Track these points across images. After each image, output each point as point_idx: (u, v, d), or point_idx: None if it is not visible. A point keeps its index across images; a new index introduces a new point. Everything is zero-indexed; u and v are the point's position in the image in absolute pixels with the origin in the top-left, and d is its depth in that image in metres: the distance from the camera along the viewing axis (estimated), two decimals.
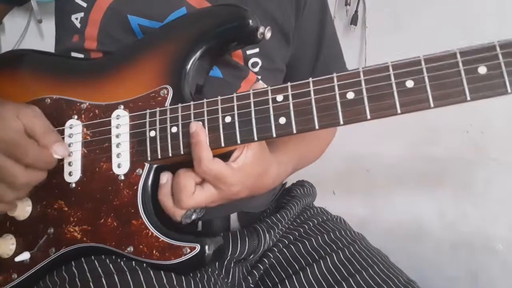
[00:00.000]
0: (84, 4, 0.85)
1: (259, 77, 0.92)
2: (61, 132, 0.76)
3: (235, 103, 0.66)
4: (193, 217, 0.70)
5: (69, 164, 0.75)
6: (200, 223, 0.87)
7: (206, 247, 0.67)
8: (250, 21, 0.71)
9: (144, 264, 0.70)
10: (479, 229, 1.51)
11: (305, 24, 0.99)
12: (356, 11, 1.66)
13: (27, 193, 0.73)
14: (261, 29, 0.72)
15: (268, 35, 0.73)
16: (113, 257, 0.72)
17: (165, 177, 0.71)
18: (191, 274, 0.73)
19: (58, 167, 0.74)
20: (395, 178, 1.65)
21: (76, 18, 0.86)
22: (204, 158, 0.66)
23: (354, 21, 1.66)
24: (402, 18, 1.59)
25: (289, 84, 0.64)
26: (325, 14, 1.05)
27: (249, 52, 0.88)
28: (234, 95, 0.67)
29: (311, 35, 1.02)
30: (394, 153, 1.63)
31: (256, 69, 0.91)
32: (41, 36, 1.94)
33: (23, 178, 0.68)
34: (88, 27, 0.85)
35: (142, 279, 0.67)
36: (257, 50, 0.89)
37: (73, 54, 0.88)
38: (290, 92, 0.63)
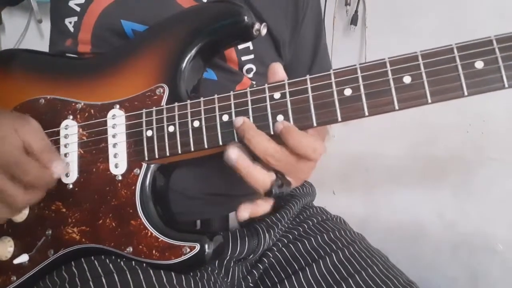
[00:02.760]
0: (78, 9, 0.85)
1: (254, 82, 0.92)
2: (57, 133, 0.76)
3: (232, 102, 0.66)
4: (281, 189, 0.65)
5: (66, 165, 0.75)
6: (198, 222, 0.86)
7: (206, 246, 0.66)
8: (246, 17, 0.70)
9: (144, 264, 0.70)
10: (479, 229, 1.50)
11: (302, 36, 1.00)
12: (356, 11, 1.66)
13: (23, 210, 0.73)
14: (256, 26, 0.71)
15: (263, 31, 0.72)
16: (113, 257, 0.72)
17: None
18: (191, 273, 0.73)
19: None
20: (395, 178, 1.65)
21: (70, 22, 0.86)
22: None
23: (354, 21, 1.66)
24: (402, 18, 1.59)
25: (286, 81, 0.64)
26: (321, 25, 1.07)
27: (244, 58, 0.88)
28: (231, 93, 0.66)
29: (307, 46, 1.04)
30: (394, 153, 1.63)
31: (250, 75, 0.91)
32: (41, 36, 1.94)
33: (22, 199, 0.67)
34: (81, 32, 0.85)
35: (142, 278, 0.67)
36: (252, 56, 0.89)
37: None
38: (287, 90, 0.63)
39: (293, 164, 0.63)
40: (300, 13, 0.97)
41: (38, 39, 1.94)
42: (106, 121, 0.74)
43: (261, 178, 0.63)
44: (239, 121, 0.63)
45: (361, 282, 0.80)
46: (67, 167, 0.74)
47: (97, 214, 0.72)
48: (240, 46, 0.87)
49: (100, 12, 0.83)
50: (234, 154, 0.62)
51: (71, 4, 0.85)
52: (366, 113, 0.59)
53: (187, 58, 0.73)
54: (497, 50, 0.54)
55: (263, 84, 0.65)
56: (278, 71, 0.66)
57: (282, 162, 0.62)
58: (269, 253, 0.89)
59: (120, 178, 0.72)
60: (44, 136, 0.72)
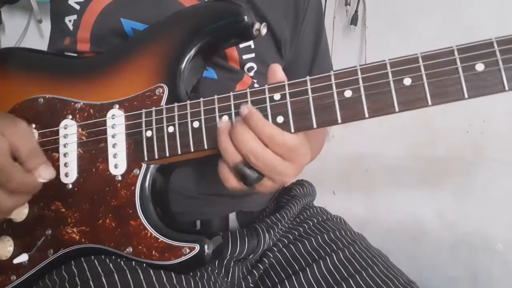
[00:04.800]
0: (77, 7, 0.85)
1: (255, 80, 0.91)
2: (56, 133, 0.76)
3: (232, 102, 0.65)
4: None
5: (65, 165, 0.74)
6: (198, 222, 0.86)
7: (206, 246, 0.66)
8: (245, 17, 0.70)
9: (144, 264, 0.70)
10: (479, 229, 1.50)
11: (302, 36, 1.00)
12: (356, 11, 1.66)
13: (11, 213, 0.72)
14: (256, 25, 0.71)
15: (263, 31, 0.72)
16: (113, 257, 0.72)
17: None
18: (191, 273, 0.73)
19: (54, 169, 0.73)
20: (395, 178, 1.65)
21: (69, 21, 0.86)
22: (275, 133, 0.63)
23: (354, 21, 1.66)
24: (402, 18, 1.59)
25: (286, 82, 0.63)
26: (321, 25, 1.06)
27: (245, 57, 0.88)
28: (231, 94, 0.66)
29: (307, 46, 1.03)
30: (394, 153, 1.63)
31: (251, 74, 0.91)
32: (41, 36, 1.94)
33: (7, 204, 0.67)
34: (80, 30, 0.85)
35: (142, 278, 0.67)
36: (253, 55, 0.89)
37: None
38: (287, 91, 0.63)
39: (273, 167, 0.63)
40: (300, 12, 0.97)
41: (38, 39, 1.94)
42: (105, 121, 0.74)
43: (233, 152, 0.63)
44: (244, 110, 0.63)
45: (361, 282, 0.80)
46: (54, 172, 0.71)
47: (96, 214, 0.72)
48: (242, 45, 0.87)
49: (100, 11, 0.83)
50: (223, 122, 0.64)
51: (70, 2, 0.85)
52: (366, 115, 0.59)
53: (186, 58, 0.73)
54: (497, 52, 0.54)
55: (264, 83, 0.65)
56: (277, 72, 0.65)
57: (261, 162, 0.62)
58: (269, 253, 0.89)
59: (119, 178, 0.72)
60: (32, 139, 0.71)
